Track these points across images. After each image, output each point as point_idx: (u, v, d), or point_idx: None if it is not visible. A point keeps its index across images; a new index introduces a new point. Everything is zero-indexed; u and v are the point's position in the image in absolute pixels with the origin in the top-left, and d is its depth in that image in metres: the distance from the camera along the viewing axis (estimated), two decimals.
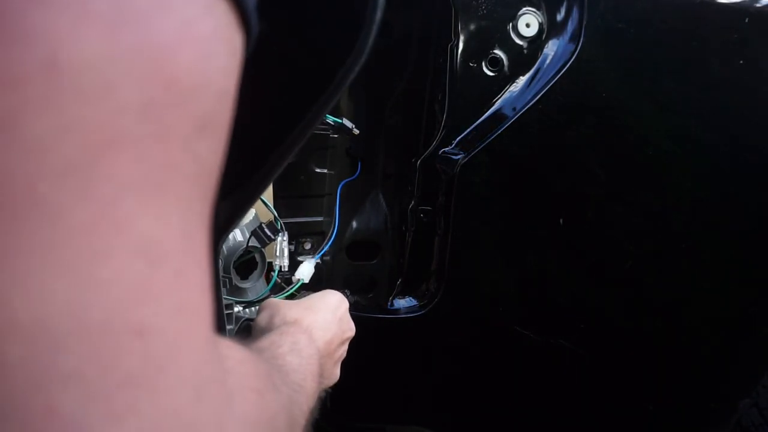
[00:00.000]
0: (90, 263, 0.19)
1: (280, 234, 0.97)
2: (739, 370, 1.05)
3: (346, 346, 0.69)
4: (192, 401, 0.21)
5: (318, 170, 1.11)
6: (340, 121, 1.01)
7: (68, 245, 0.18)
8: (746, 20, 0.90)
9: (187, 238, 0.22)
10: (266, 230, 0.97)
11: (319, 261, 1.02)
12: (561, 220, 0.95)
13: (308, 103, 0.40)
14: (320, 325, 0.64)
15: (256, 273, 1.03)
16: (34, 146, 0.17)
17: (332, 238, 1.08)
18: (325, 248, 1.07)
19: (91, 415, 0.18)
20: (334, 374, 0.67)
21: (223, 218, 0.44)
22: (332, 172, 1.12)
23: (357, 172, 1.14)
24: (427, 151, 1.01)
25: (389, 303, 1.07)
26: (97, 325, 0.19)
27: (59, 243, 0.18)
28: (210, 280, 0.24)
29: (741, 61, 0.91)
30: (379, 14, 0.37)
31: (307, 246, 1.12)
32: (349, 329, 0.70)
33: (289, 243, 0.99)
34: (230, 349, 0.32)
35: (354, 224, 1.16)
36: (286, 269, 0.96)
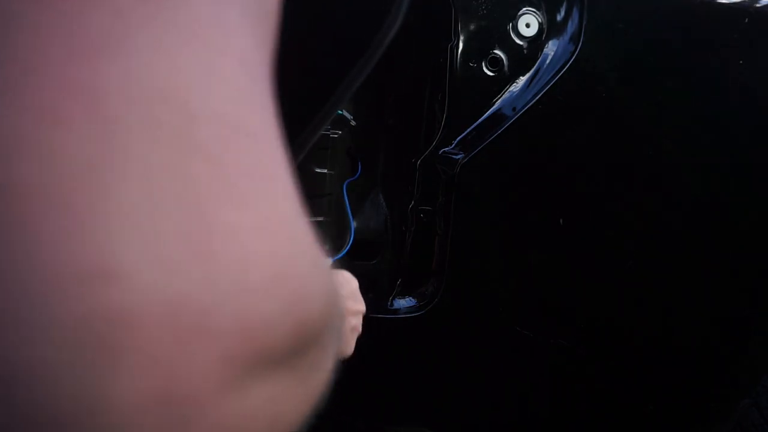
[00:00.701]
0: (213, 55, 0.20)
1: None
2: (739, 370, 1.05)
3: (357, 320, 0.70)
4: (296, 217, 0.22)
5: (318, 170, 1.11)
6: (339, 111, 1.01)
7: (198, 35, 0.20)
8: (746, 20, 0.90)
9: (266, 76, 0.23)
10: None
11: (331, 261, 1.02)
12: (561, 220, 0.95)
13: (344, 66, 0.41)
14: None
15: None
16: None
17: (351, 238, 1.09)
18: (347, 248, 1.08)
19: (225, 193, 0.19)
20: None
21: None
22: (332, 172, 1.12)
23: (358, 172, 1.14)
24: (427, 151, 1.01)
25: (389, 303, 1.07)
26: (223, 112, 0.20)
27: (192, 28, 0.20)
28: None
29: (741, 61, 0.91)
30: None
31: None
32: (359, 303, 0.71)
33: None
34: None
35: (354, 224, 1.16)
36: None
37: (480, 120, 0.97)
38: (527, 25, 0.95)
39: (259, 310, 0.19)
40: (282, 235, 0.21)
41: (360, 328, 0.71)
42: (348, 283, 0.71)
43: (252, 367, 0.19)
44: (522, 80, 0.96)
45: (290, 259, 0.21)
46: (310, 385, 0.25)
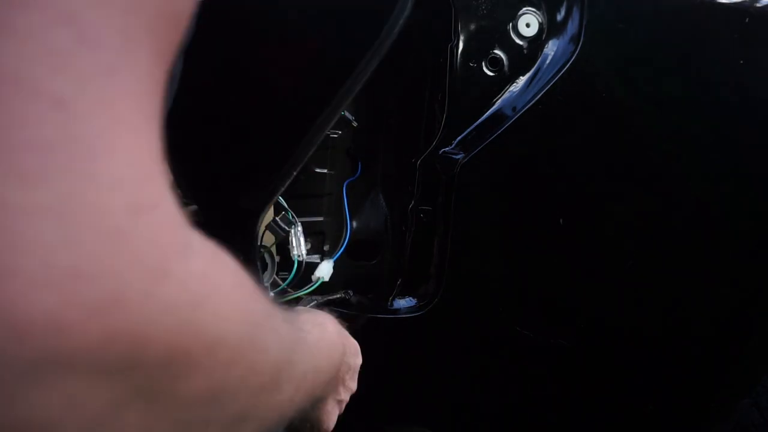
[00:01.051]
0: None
1: (293, 225, 0.98)
2: (739, 370, 1.05)
3: (344, 399, 0.65)
4: (125, 210, 0.19)
5: (318, 170, 1.11)
6: (341, 112, 1.01)
7: None
8: (746, 20, 0.90)
9: (131, 42, 0.22)
10: (281, 223, 0.99)
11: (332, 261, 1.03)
12: (561, 220, 0.95)
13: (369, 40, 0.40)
14: (353, 343, 0.60)
15: (267, 273, 1.02)
16: None
17: (347, 238, 1.09)
18: (342, 248, 1.08)
19: None
20: (328, 412, 0.62)
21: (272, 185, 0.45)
22: (332, 172, 1.12)
23: (358, 172, 1.14)
24: (427, 151, 1.01)
25: (389, 303, 1.07)
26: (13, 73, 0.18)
27: None
28: (158, 110, 0.22)
29: (741, 61, 0.91)
30: None
31: (307, 246, 1.12)
32: (355, 385, 0.66)
33: (288, 243, 1.00)
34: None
35: (354, 224, 1.16)
36: (305, 257, 0.98)
37: (480, 120, 0.97)
38: (527, 25, 0.95)
39: (32, 301, 0.17)
40: (83, 225, 0.18)
41: (342, 408, 0.66)
42: (352, 358, 0.63)
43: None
44: (522, 80, 0.96)
45: (95, 254, 0.18)
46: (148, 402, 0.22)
